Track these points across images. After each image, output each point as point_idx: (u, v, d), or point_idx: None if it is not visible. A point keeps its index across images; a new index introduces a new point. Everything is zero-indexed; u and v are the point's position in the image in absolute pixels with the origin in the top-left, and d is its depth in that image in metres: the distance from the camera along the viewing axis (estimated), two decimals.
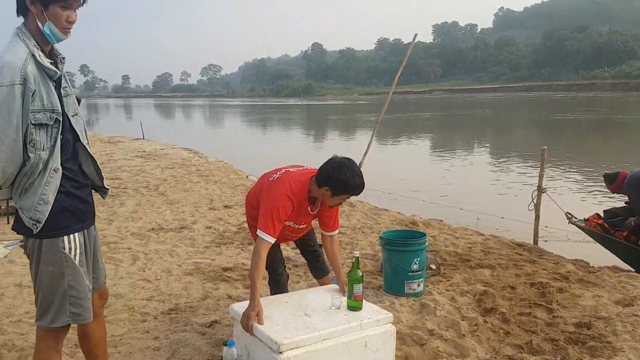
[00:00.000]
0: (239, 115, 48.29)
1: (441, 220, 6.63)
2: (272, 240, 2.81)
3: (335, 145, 19.17)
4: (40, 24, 2.06)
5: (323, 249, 3.36)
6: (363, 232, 5.91)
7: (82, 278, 2.20)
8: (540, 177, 5.75)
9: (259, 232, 2.81)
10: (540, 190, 5.73)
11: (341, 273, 3.11)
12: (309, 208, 3.01)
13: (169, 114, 54.47)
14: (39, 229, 2.08)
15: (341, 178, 2.81)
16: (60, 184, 2.12)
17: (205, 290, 4.21)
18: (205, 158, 13.41)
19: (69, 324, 2.23)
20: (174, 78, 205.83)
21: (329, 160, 2.92)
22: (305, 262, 4.38)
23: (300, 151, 17.30)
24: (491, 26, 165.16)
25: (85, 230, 2.26)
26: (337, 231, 3.22)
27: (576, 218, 5.52)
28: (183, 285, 4.32)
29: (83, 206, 2.23)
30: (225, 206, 7.41)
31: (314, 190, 2.94)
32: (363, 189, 2.88)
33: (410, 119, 32.37)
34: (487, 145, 19.10)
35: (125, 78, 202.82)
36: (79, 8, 2.13)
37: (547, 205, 5.83)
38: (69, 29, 2.12)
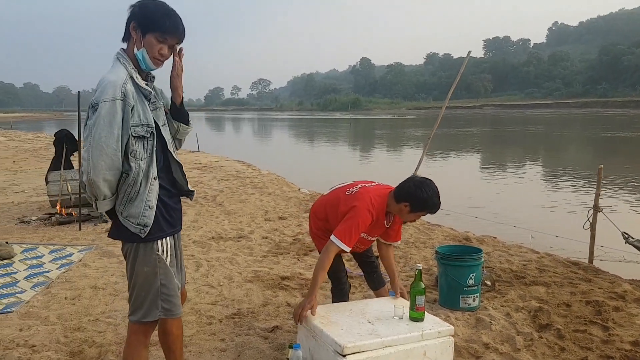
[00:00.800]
0: (287, 128, 49.01)
1: (495, 237, 6.64)
2: (347, 249, 3.03)
3: (385, 159, 19.27)
4: (135, 49, 2.33)
5: (379, 256, 3.54)
6: (416, 247, 6.00)
7: (172, 277, 2.44)
8: (597, 195, 5.70)
9: (334, 238, 3.01)
10: (597, 209, 5.68)
11: (396, 277, 3.35)
12: (385, 222, 3.23)
13: (221, 127, 55.84)
14: (146, 232, 2.32)
15: (422, 196, 3.04)
16: None
17: (265, 297, 4.42)
18: (258, 170, 13.78)
19: (157, 320, 2.47)
20: (225, 92, 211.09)
21: (409, 178, 3.17)
22: (361, 274, 4.55)
23: (351, 165, 17.48)
24: (544, 41, 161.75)
25: (175, 235, 2.50)
26: (397, 243, 3.44)
27: (633, 238, 5.45)
28: (244, 291, 4.55)
29: (173, 213, 2.48)
30: (280, 217, 7.65)
31: (391, 205, 3.16)
32: (439, 208, 3.11)
33: (459, 134, 32.04)
34: (540, 162, 18.73)
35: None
36: (177, 45, 2.38)
37: (603, 224, 5.76)
38: (160, 60, 2.36)
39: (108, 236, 2.53)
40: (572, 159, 19.45)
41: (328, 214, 3.33)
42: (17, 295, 4.48)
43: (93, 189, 2.26)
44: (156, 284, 2.41)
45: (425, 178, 3.14)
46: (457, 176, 14.86)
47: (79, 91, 7.14)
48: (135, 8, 2.30)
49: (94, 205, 2.37)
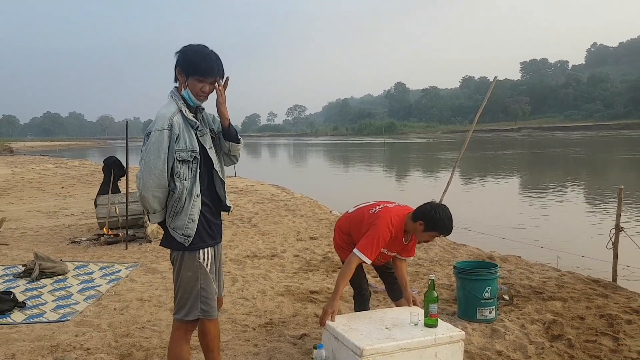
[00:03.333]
0: (322, 153, 49.63)
1: (519, 257, 6.81)
2: (368, 261, 3.43)
3: (416, 182, 19.45)
4: (182, 90, 2.77)
5: (392, 267, 3.90)
6: (440, 265, 6.25)
7: (211, 282, 2.83)
8: (618, 215, 5.84)
9: (356, 251, 3.42)
10: (618, 228, 5.83)
11: (407, 286, 3.75)
12: (403, 239, 3.61)
13: (257, 153, 56.91)
14: (189, 242, 2.73)
15: (435, 216, 3.43)
16: None
17: (295, 309, 4.77)
18: (291, 194, 14.22)
19: (198, 319, 2.86)
20: (262, 118, 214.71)
21: (428, 202, 3.56)
22: (385, 289, 4.86)
23: (382, 188, 17.75)
24: (583, 62, 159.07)
25: (215, 246, 2.91)
26: (410, 258, 3.84)
27: None
28: (276, 304, 4.91)
29: (214, 227, 2.89)
30: (311, 237, 8.02)
31: (408, 224, 3.55)
32: (451, 231, 3.48)
33: (493, 157, 31.88)
34: (574, 183, 18.56)
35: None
36: (219, 79, 2.80)
37: (631, 245, 5.87)
38: (203, 96, 2.79)
39: (160, 244, 2.96)
40: (606, 181, 19.18)
41: (351, 229, 3.73)
42: (71, 306, 4.96)
43: (145, 202, 2.69)
44: (197, 287, 2.80)
45: (442, 204, 3.54)
46: (489, 198, 14.97)
47: (126, 120, 7.74)
48: (179, 55, 2.75)
49: (147, 218, 2.80)
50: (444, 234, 3.50)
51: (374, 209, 3.66)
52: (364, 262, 3.43)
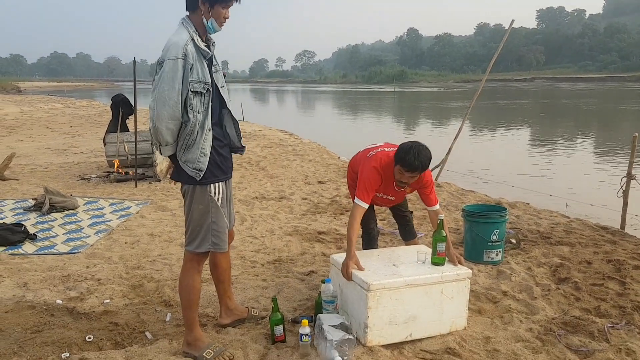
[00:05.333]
0: (330, 100, 49.09)
1: (528, 203, 6.79)
2: (366, 205, 3.36)
3: (427, 131, 19.28)
4: (205, 19, 2.68)
5: (430, 221, 3.72)
6: (448, 210, 6.25)
7: (222, 216, 2.83)
8: (630, 163, 5.77)
9: (355, 200, 3.37)
10: (630, 177, 5.77)
11: (450, 246, 3.34)
12: (394, 184, 3.50)
13: (265, 99, 56.42)
14: (200, 176, 2.71)
15: (401, 148, 3.31)
16: None
17: (303, 247, 4.81)
18: (300, 139, 14.16)
19: (209, 251, 2.88)
20: (270, 64, 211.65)
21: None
22: (392, 232, 4.89)
23: (391, 136, 17.62)
24: (601, 12, 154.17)
25: (227, 181, 2.89)
26: (436, 206, 3.55)
27: None
28: (284, 242, 4.96)
29: (225, 161, 2.86)
30: (319, 182, 8.02)
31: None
32: (415, 167, 3.24)
33: (506, 107, 31.44)
34: (586, 134, 18.33)
35: (224, 64, 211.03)
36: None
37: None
38: (224, 23, 2.73)
39: (170, 178, 2.95)
40: (620, 132, 18.93)
41: (358, 168, 3.68)
42: (82, 239, 5.03)
43: (157, 134, 2.64)
44: (208, 220, 2.80)
45: (419, 143, 3.32)
46: (498, 147, 14.83)
47: (134, 58, 7.60)
48: None
49: (158, 150, 2.76)
50: (405, 168, 3.28)
51: (372, 152, 3.60)
52: (364, 207, 3.35)
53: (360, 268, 3.15)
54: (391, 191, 3.58)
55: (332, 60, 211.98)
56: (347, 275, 3.14)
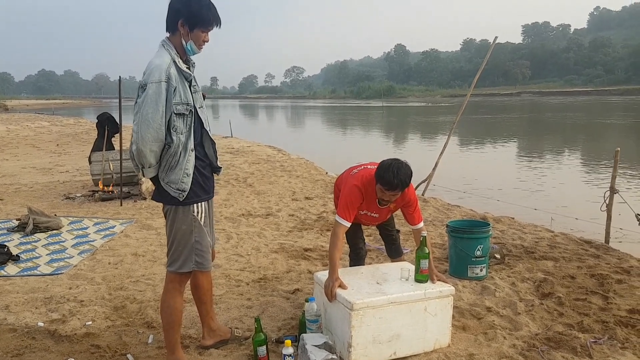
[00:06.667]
0: (319, 115, 49.28)
1: (513, 218, 6.84)
2: (347, 224, 3.35)
3: (413, 146, 19.40)
4: (184, 42, 2.70)
5: (415, 240, 3.68)
6: (434, 225, 6.28)
7: (205, 235, 2.83)
8: (613, 177, 5.84)
9: (336, 217, 3.36)
10: (612, 190, 5.83)
11: (430, 262, 3.32)
12: (377, 201, 3.48)
13: (254, 114, 56.52)
14: (184, 196, 2.71)
15: (381, 166, 3.30)
16: None
17: (289, 265, 4.80)
18: (288, 155, 14.17)
19: (191, 272, 2.86)
20: (259, 80, 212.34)
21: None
22: (379, 247, 4.89)
23: (379, 151, 17.69)
24: (585, 26, 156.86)
25: (209, 200, 2.89)
26: (420, 224, 3.54)
27: None
28: (270, 260, 4.94)
29: (208, 181, 2.87)
30: (307, 198, 8.02)
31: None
32: (393, 185, 3.23)
33: (492, 121, 31.75)
34: (571, 148, 18.53)
35: (214, 80, 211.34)
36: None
37: (625, 208, 5.88)
38: (203, 46, 2.76)
39: (152, 199, 2.94)
40: (607, 146, 19.17)
41: (340, 188, 3.70)
42: (66, 260, 4.98)
43: (140, 157, 2.64)
44: (191, 240, 2.80)
45: (399, 160, 3.31)
46: (485, 161, 14.95)
47: (119, 76, 7.61)
48: (181, 6, 2.64)
49: (140, 172, 2.75)
50: (385, 186, 3.26)
51: (354, 170, 3.62)
52: (345, 226, 3.33)
53: (344, 287, 3.13)
54: (374, 208, 3.57)
55: (321, 76, 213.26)
56: (330, 296, 3.12)
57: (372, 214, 3.63)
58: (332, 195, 7.71)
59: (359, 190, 3.40)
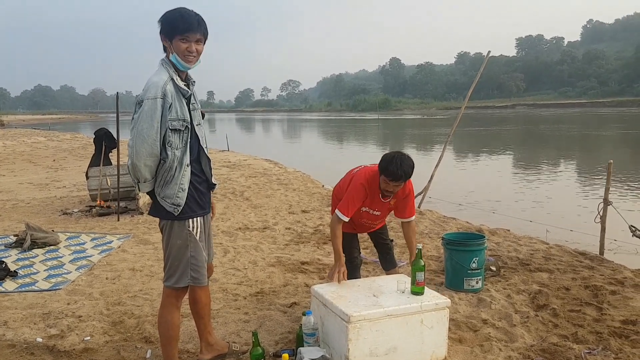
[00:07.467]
0: (315, 128, 49.46)
1: (508, 230, 6.89)
2: (346, 219, 3.54)
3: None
4: (170, 55, 2.74)
5: (404, 235, 3.91)
6: (430, 237, 6.32)
7: (201, 251, 2.85)
8: (607, 189, 5.91)
9: (336, 211, 3.55)
10: (606, 202, 5.89)
11: (414, 254, 3.66)
12: (380, 196, 3.64)
13: (250, 128, 56.68)
14: (179, 211, 2.74)
15: (384, 158, 3.50)
16: None
17: (286, 279, 4.82)
18: (284, 168, 14.23)
19: (188, 286, 2.89)
20: (255, 93, 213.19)
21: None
22: (375, 260, 4.93)
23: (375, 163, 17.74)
24: (579, 39, 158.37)
25: (205, 216, 2.92)
26: (412, 218, 3.82)
27: None
28: (267, 274, 4.96)
29: (204, 197, 2.90)
30: (303, 211, 8.06)
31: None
32: (396, 177, 3.43)
33: (487, 134, 31.93)
34: (567, 160, 18.66)
35: (210, 94, 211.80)
36: (203, 43, 2.77)
37: (619, 220, 5.94)
38: (190, 57, 2.70)
39: (148, 214, 2.97)
40: (599, 157, 19.30)
41: (342, 193, 3.79)
42: (63, 275, 4.99)
43: (135, 171, 2.68)
44: (187, 255, 2.83)
45: (402, 153, 3.51)
46: (480, 173, 15.04)
47: (117, 92, 7.67)
48: (160, 21, 2.70)
49: (136, 187, 2.79)
50: (389, 177, 3.46)
51: (355, 170, 3.82)
52: (343, 220, 3.54)
53: (345, 278, 3.43)
54: (377, 205, 3.70)
55: (317, 89, 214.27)
56: (338, 279, 3.40)
57: (374, 212, 3.75)
58: (329, 208, 7.76)
59: (363, 187, 3.56)
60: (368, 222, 3.86)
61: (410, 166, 3.46)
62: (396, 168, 3.40)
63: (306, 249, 5.86)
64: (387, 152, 3.59)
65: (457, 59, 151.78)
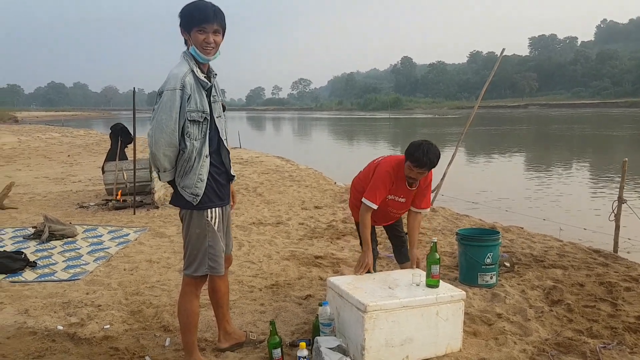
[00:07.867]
0: (326, 127, 49.47)
1: (522, 228, 6.88)
2: (374, 206, 3.64)
3: None
4: (190, 48, 2.79)
5: (407, 224, 3.98)
6: (443, 234, 6.34)
7: (219, 241, 2.91)
8: (621, 187, 5.88)
9: (364, 200, 3.64)
10: (621, 200, 5.87)
11: (415, 246, 3.86)
12: (406, 184, 3.73)
13: (261, 126, 56.82)
14: (198, 201, 2.80)
15: (412, 144, 3.59)
16: None
17: (300, 272, 4.88)
18: (296, 165, 14.29)
19: (207, 275, 2.95)
20: (266, 92, 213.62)
21: None
22: (389, 255, 4.97)
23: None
24: (592, 39, 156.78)
25: (223, 207, 2.98)
26: (425, 211, 3.93)
27: None
28: (281, 267, 5.02)
29: (222, 188, 2.95)
30: (316, 207, 8.11)
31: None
32: (423, 163, 3.52)
33: (499, 133, 31.78)
34: (580, 159, 18.53)
35: (221, 92, 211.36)
36: (222, 34, 2.80)
37: (633, 218, 5.92)
38: (209, 48, 2.74)
39: (170, 203, 3.03)
40: (613, 157, 19.15)
41: (364, 184, 3.84)
42: (82, 266, 5.08)
43: (155, 161, 2.75)
44: (205, 244, 2.88)
45: (429, 142, 3.59)
46: (493, 172, 14.99)
47: (134, 88, 7.75)
48: (179, 15, 2.76)
49: (158, 176, 2.86)
50: (415, 164, 3.55)
51: (378, 160, 3.90)
52: (372, 208, 3.63)
53: (370, 270, 3.61)
54: (402, 192, 3.77)
55: (328, 88, 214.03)
56: (365, 268, 3.56)
57: (400, 199, 3.81)
58: (342, 205, 7.80)
59: (389, 174, 3.65)
60: (394, 211, 3.91)
61: (436, 155, 3.54)
62: (422, 155, 3.48)
63: (320, 244, 5.91)
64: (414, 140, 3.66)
65: (470, 57, 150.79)
